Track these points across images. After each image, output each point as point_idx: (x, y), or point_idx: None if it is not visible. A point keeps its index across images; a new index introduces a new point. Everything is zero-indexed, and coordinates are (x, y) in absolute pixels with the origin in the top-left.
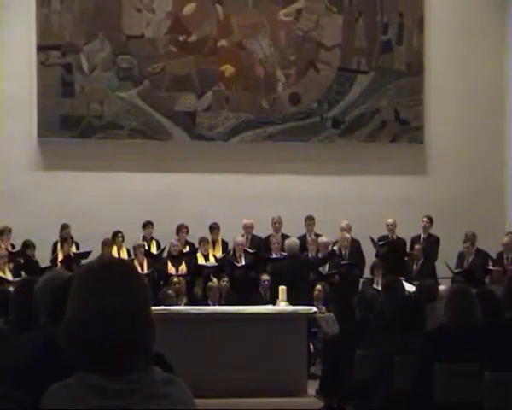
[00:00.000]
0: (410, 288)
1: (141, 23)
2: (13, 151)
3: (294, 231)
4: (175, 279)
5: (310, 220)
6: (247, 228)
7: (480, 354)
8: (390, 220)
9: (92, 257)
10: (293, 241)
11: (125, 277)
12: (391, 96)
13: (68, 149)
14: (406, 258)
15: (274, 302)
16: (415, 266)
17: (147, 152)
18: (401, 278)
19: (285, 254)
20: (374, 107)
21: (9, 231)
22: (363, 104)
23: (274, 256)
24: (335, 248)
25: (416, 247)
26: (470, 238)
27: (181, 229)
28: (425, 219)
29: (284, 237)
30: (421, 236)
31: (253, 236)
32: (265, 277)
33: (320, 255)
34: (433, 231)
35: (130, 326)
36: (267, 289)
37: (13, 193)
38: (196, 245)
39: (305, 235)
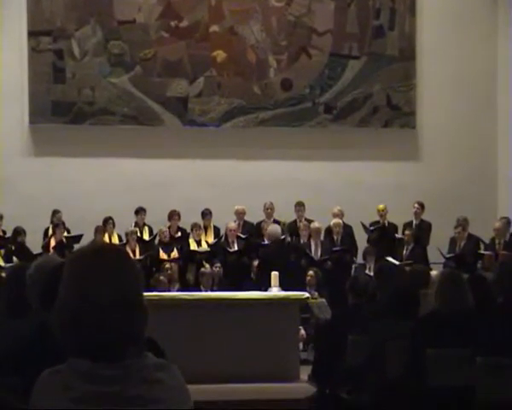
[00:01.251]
0: (395, 262)
1: (132, 8)
2: (4, 138)
3: (286, 216)
4: (167, 265)
5: (300, 206)
6: (239, 214)
7: (472, 339)
8: (381, 206)
9: (84, 241)
10: (274, 227)
11: (118, 262)
12: (383, 81)
13: (60, 135)
14: (397, 242)
15: (266, 288)
16: (405, 252)
17: (139, 138)
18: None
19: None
20: (366, 92)
21: (0, 217)
22: (355, 89)
23: (266, 242)
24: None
25: (407, 232)
26: (462, 223)
27: (173, 215)
28: (416, 206)
29: (276, 223)
30: (413, 222)
31: (245, 222)
32: (258, 263)
33: (313, 242)
34: (425, 216)
35: (122, 312)
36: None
37: (4, 179)
38: (188, 231)
39: (295, 221)
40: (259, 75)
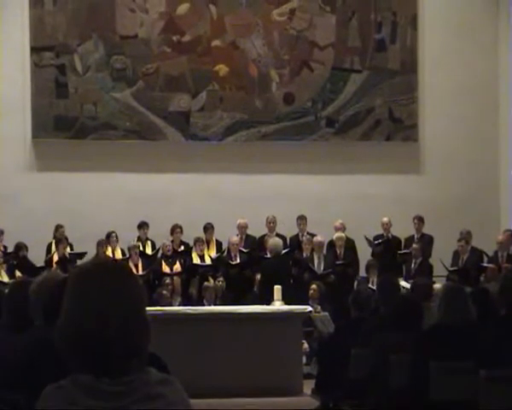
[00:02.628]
0: (405, 285)
1: (134, 23)
2: (7, 153)
3: (289, 230)
4: (167, 280)
5: (301, 220)
6: (242, 228)
7: (475, 351)
8: (385, 219)
9: (87, 258)
10: (275, 241)
11: (120, 277)
12: (385, 94)
13: (62, 150)
14: (399, 257)
15: (268, 302)
16: (413, 265)
17: (141, 153)
18: (398, 277)
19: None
20: (368, 105)
21: (1, 232)
22: (357, 103)
23: (268, 256)
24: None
25: (415, 246)
26: (465, 237)
27: (175, 229)
28: (416, 221)
29: (279, 237)
30: (415, 236)
31: (248, 236)
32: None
33: (316, 256)
34: (427, 229)
35: (125, 327)
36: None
37: (7, 195)
38: (191, 245)
39: (297, 235)
40: (261, 89)
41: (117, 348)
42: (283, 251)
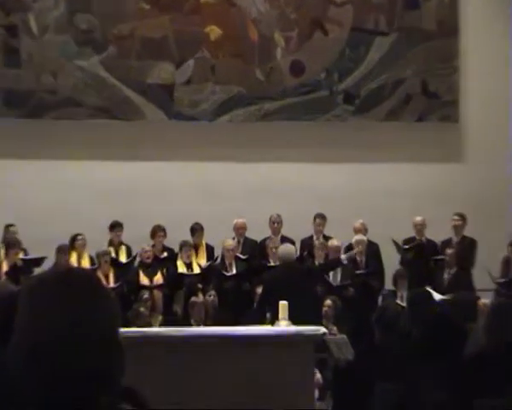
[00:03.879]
0: (438, 297)
1: None
2: None
3: (297, 232)
4: (146, 295)
5: (320, 219)
6: (239, 229)
7: None
8: (418, 219)
9: (47, 265)
10: (287, 247)
11: (87, 290)
12: (417, 63)
13: (14, 131)
14: (433, 265)
15: (272, 322)
16: (446, 276)
17: (113, 136)
18: (428, 288)
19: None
20: (396, 77)
21: None
22: (382, 74)
23: (272, 264)
24: (347, 255)
25: (449, 251)
26: None
27: (157, 232)
28: (456, 218)
29: (285, 240)
30: (453, 238)
31: (246, 239)
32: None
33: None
34: (468, 231)
35: (92, 352)
36: None
37: None
38: (176, 251)
39: (311, 237)
40: (263, 57)
41: (82, 378)
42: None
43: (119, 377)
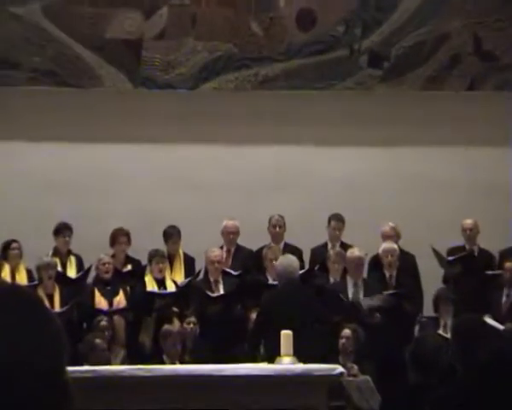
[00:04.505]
0: (495, 325)
1: None
2: None
3: (306, 238)
4: (103, 322)
5: (336, 222)
6: (229, 234)
7: None
8: (468, 222)
9: None
10: (286, 260)
11: (24, 313)
12: (467, 13)
13: None
14: (487, 282)
15: (272, 358)
16: (505, 298)
17: (60, 108)
18: (485, 317)
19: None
20: (438, 31)
21: None
22: (419, 28)
23: (272, 282)
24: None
25: (508, 265)
26: None
27: (118, 237)
28: None
29: (289, 248)
30: None
31: (239, 247)
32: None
33: (350, 281)
34: None
35: (30, 394)
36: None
37: None
38: (144, 262)
39: (324, 245)
40: (261, 4)
41: None
42: (300, 272)
43: None
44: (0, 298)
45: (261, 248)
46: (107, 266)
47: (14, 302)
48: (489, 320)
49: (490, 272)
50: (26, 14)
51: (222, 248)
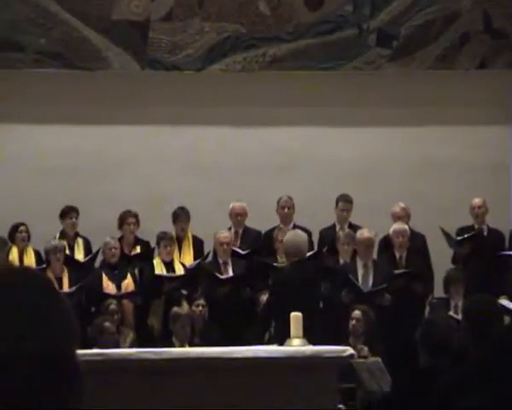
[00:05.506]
0: (507, 305)
1: None
2: None
3: (315, 220)
4: (112, 305)
5: (345, 202)
6: (237, 216)
7: None
8: (477, 201)
9: None
10: (296, 236)
11: (35, 296)
12: None
13: None
14: (498, 263)
15: (281, 340)
16: None
17: (67, 90)
18: (498, 298)
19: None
20: (448, 9)
21: None
22: (429, 6)
23: (283, 263)
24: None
25: None
26: None
27: (126, 218)
28: None
29: (298, 229)
30: None
31: (247, 228)
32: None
33: (360, 262)
34: None
35: (40, 377)
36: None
37: None
38: (152, 245)
39: (333, 226)
40: None
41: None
42: (308, 254)
43: (75, 408)
44: (11, 279)
45: (271, 230)
46: (113, 250)
47: (24, 283)
48: (504, 302)
49: (501, 253)
50: None
51: (230, 229)
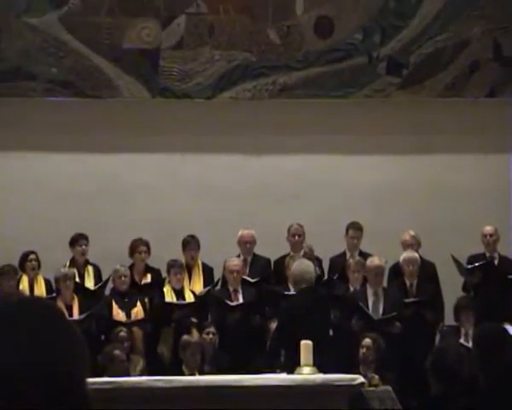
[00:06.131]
0: None
1: None
2: None
3: (325, 247)
4: (122, 332)
5: (355, 230)
6: (246, 243)
7: None
8: (489, 228)
9: None
10: (303, 265)
11: (45, 324)
12: (487, 18)
13: None
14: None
15: (291, 369)
16: None
17: (78, 119)
18: (506, 325)
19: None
20: (458, 38)
21: None
22: (439, 34)
23: (291, 292)
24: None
25: None
26: None
27: (137, 247)
28: None
29: (307, 257)
30: None
31: (255, 256)
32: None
33: (371, 290)
34: None
35: (52, 403)
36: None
37: None
38: (163, 274)
39: (343, 254)
40: (279, 12)
41: None
42: (318, 281)
43: None
44: (22, 309)
45: (282, 258)
46: (123, 278)
47: (35, 314)
48: (510, 329)
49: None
50: (43, 25)
51: (239, 257)
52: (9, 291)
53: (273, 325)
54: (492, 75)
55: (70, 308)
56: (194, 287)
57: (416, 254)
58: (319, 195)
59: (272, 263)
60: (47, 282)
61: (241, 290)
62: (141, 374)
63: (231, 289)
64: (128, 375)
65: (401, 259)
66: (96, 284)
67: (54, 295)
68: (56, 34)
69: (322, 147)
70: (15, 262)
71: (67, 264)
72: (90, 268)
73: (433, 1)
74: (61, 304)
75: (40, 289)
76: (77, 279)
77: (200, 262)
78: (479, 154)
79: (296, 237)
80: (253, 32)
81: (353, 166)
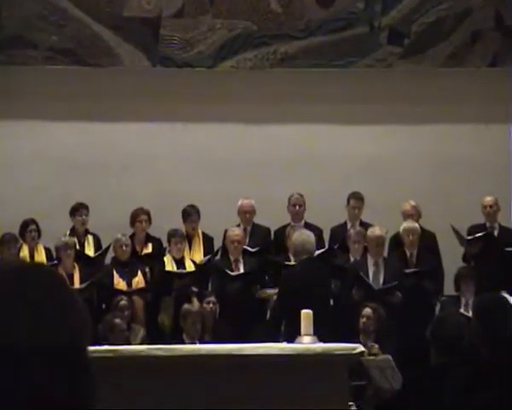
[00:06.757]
0: None
1: None
2: None
3: (326, 217)
4: (123, 301)
5: (356, 200)
6: (246, 213)
7: None
8: (489, 199)
9: None
10: (304, 236)
11: (47, 291)
12: None
13: None
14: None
15: (292, 337)
16: None
17: (78, 87)
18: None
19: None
20: (459, 7)
21: None
22: (440, 2)
23: (292, 262)
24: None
25: None
26: None
27: (138, 216)
28: None
29: (309, 227)
30: None
31: (255, 226)
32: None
33: (371, 260)
34: None
35: (52, 373)
36: None
37: None
38: (164, 244)
39: (344, 224)
40: None
41: (39, 407)
42: (317, 252)
43: (88, 405)
44: (25, 275)
45: (282, 228)
46: (124, 247)
47: (38, 279)
48: (510, 298)
49: (510, 249)
50: None
51: (240, 226)
52: (11, 258)
53: (274, 295)
54: (494, 45)
55: (71, 277)
56: (195, 257)
57: (417, 225)
58: (320, 165)
59: (272, 233)
60: (47, 251)
61: (242, 260)
62: (141, 343)
63: (232, 259)
64: (129, 344)
65: (401, 229)
66: (95, 253)
67: (55, 262)
68: (57, 2)
69: (324, 117)
70: (16, 231)
71: (67, 233)
72: (90, 238)
73: None
74: (61, 272)
75: (41, 258)
76: (77, 247)
77: (200, 232)
78: (479, 124)
79: (297, 207)
80: (255, 1)
81: (355, 137)
